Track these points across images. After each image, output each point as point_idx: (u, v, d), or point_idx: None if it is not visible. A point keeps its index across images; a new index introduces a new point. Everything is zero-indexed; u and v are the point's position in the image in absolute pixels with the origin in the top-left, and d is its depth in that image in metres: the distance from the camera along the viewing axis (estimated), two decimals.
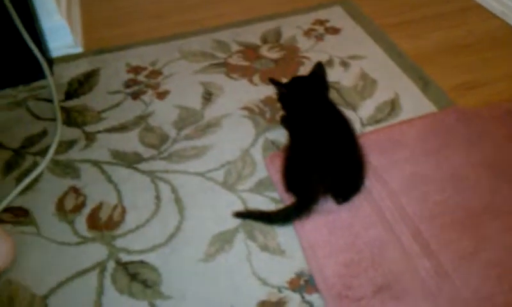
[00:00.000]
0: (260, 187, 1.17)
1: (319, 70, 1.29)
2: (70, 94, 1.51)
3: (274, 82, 1.26)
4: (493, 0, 1.72)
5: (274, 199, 1.14)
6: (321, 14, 1.77)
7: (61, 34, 1.66)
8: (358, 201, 1.12)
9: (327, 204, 1.11)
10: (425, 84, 1.43)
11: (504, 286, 0.97)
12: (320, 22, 1.73)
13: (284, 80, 1.31)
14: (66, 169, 1.25)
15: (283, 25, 1.73)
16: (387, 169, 1.18)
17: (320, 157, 1.09)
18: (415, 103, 1.37)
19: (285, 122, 1.30)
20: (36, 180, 1.22)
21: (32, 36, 1.49)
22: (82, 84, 1.54)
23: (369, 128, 1.30)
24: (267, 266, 1.01)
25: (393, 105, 1.37)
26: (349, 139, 1.15)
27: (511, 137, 1.26)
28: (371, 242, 1.05)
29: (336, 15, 1.76)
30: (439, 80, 1.45)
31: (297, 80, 1.30)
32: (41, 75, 1.53)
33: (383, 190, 1.13)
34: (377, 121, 1.32)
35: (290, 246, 1.05)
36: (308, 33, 1.68)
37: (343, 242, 1.05)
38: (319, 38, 1.65)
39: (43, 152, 1.30)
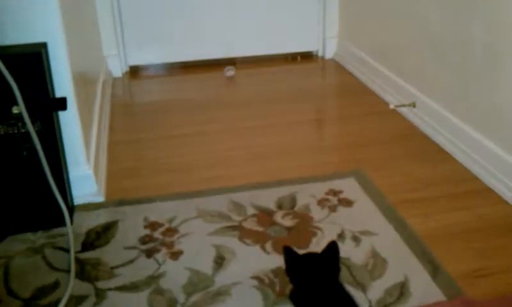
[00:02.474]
0: None
1: (333, 249, 1.31)
2: (87, 245, 1.55)
3: (288, 251, 1.29)
4: (502, 185, 1.78)
5: None
6: (335, 184, 1.84)
7: (86, 183, 1.74)
8: None
9: None
10: (434, 269, 1.44)
11: None
12: (334, 193, 1.79)
13: (298, 251, 1.33)
14: None
15: (298, 191, 1.80)
16: None
17: None
18: (424, 289, 1.38)
19: (293, 298, 1.31)
20: None
21: (59, 184, 1.57)
22: (99, 236, 1.59)
23: None
24: None
25: (402, 289, 1.37)
26: None
27: None
28: None
29: (349, 187, 1.82)
30: (448, 265, 1.46)
31: (309, 257, 1.33)
32: (61, 223, 1.58)
33: None
34: (386, 306, 1.32)
35: None
36: (321, 203, 1.74)
37: None
38: (332, 208, 1.71)
39: (52, 306, 1.31)
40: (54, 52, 1.58)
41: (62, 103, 1.59)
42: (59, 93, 1.61)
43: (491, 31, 1.82)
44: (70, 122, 1.67)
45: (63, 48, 1.59)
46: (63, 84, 1.62)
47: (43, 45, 1.54)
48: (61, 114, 1.64)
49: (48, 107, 1.56)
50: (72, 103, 1.65)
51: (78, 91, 1.73)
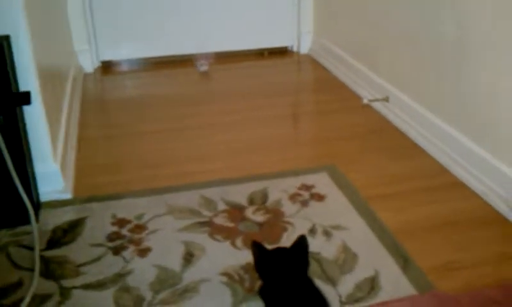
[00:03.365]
0: None
1: (302, 243, 1.30)
2: (53, 243, 1.51)
3: (257, 246, 1.27)
4: (474, 179, 1.78)
5: None
6: (308, 179, 1.82)
7: (52, 179, 1.70)
8: None
9: None
10: (405, 263, 1.43)
11: None
12: (306, 187, 1.78)
13: (267, 246, 1.31)
14: None
15: (270, 186, 1.78)
16: None
17: None
18: (395, 283, 1.37)
19: (262, 294, 1.29)
20: None
21: (23, 180, 1.52)
22: (66, 233, 1.55)
23: None
24: None
25: (373, 284, 1.36)
26: None
27: None
28: None
29: (322, 182, 1.81)
30: (420, 259, 1.45)
31: (278, 251, 1.31)
32: (26, 220, 1.54)
33: None
34: (356, 300, 1.31)
35: None
36: (293, 198, 1.72)
37: None
38: (304, 203, 1.69)
39: (15, 305, 1.27)
40: (17, 45, 1.53)
41: (26, 98, 1.54)
42: (23, 87, 1.57)
43: (461, 28, 1.82)
44: (35, 117, 1.63)
45: (27, 41, 1.55)
46: (28, 78, 1.58)
47: (6, 38, 1.50)
48: (26, 108, 1.59)
49: (11, 101, 1.51)
50: (36, 98, 1.60)
51: (44, 86, 1.69)
